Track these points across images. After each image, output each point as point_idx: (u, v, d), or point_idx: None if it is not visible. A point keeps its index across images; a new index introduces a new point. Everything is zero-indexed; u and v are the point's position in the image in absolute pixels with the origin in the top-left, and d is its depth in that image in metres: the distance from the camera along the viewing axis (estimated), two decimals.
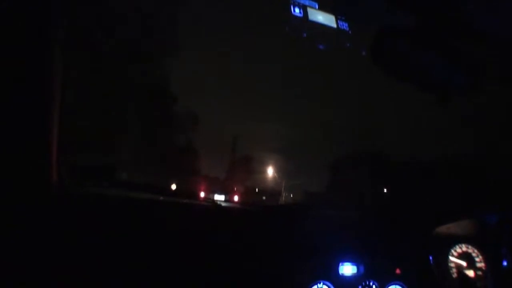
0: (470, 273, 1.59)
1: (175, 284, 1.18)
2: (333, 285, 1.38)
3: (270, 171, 11.60)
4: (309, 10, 1.33)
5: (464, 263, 1.61)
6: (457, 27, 0.97)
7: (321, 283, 1.38)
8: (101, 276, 1.06)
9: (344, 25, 1.38)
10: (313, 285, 1.36)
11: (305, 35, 1.37)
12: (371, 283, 1.44)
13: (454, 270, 1.60)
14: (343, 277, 1.41)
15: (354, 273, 1.43)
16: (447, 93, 1.04)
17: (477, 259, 1.62)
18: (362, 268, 1.44)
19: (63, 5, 0.99)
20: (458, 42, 1.00)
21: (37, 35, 0.92)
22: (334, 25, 1.37)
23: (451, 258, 1.61)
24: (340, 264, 1.42)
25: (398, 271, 1.48)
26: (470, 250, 1.63)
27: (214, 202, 1.50)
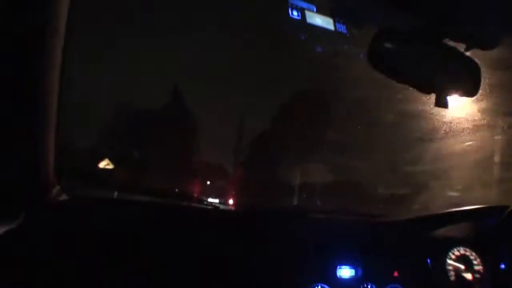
0: (468, 276, 1.59)
1: (174, 286, 1.18)
2: None
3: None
4: (307, 13, 1.33)
5: (462, 266, 1.60)
6: (455, 28, 0.98)
7: (319, 286, 1.37)
8: (101, 279, 1.06)
9: (342, 28, 1.38)
10: None
11: (303, 38, 1.37)
12: (368, 286, 1.44)
13: (452, 273, 1.59)
14: (341, 280, 1.40)
15: (352, 276, 1.42)
16: (446, 93, 1.05)
17: (475, 262, 1.62)
18: (359, 271, 1.43)
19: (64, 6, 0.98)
20: (457, 42, 1.00)
21: (35, 32, 0.91)
22: (332, 27, 1.36)
23: (449, 261, 1.61)
24: (338, 267, 1.41)
25: (395, 274, 1.47)
26: (468, 253, 1.63)
27: (213, 205, 1.50)
